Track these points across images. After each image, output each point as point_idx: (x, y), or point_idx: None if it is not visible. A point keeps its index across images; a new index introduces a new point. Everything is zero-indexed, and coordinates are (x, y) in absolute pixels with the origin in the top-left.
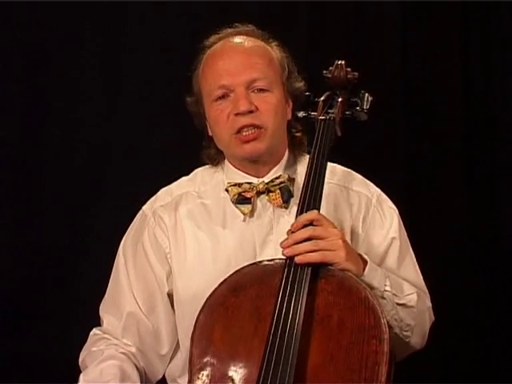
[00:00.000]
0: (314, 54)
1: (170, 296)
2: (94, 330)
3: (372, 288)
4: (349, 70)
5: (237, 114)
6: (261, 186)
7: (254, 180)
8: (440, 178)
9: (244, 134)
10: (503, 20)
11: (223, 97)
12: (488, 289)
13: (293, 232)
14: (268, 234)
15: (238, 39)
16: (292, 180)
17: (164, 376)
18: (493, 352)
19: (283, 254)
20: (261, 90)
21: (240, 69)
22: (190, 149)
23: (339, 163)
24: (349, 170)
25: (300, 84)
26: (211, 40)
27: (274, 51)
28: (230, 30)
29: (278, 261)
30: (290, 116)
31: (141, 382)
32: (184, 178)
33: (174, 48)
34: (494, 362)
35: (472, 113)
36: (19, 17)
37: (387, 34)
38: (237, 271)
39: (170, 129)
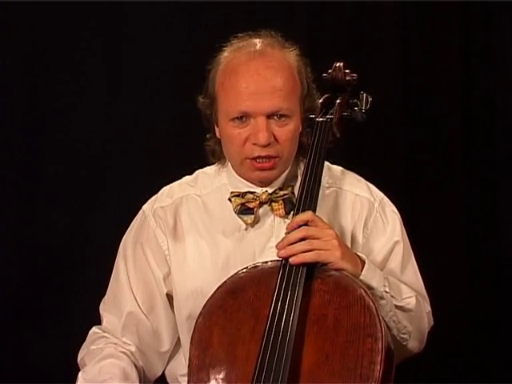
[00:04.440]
0: (313, 54)
1: (169, 296)
2: (94, 329)
3: (371, 288)
4: (347, 71)
5: (255, 144)
6: (264, 197)
7: (258, 190)
8: (440, 178)
9: (258, 162)
10: (503, 20)
11: (241, 118)
12: (488, 290)
13: (288, 232)
14: (267, 242)
15: (262, 56)
16: (294, 193)
17: (165, 376)
18: (493, 353)
19: (278, 256)
20: (281, 116)
21: (264, 96)
22: (191, 149)
23: (339, 164)
24: (350, 172)
25: (316, 101)
26: (233, 45)
27: (297, 67)
28: (254, 40)
29: (275, 262)
30: (301, 128)
31: (139, 380)
32: (186, 179)
33: (174, 48)
34: (495, 363)
35: (472, 113)
36: (19, 16)
37: (387, 34)
38: (235, 274)
39: (169, 129)
